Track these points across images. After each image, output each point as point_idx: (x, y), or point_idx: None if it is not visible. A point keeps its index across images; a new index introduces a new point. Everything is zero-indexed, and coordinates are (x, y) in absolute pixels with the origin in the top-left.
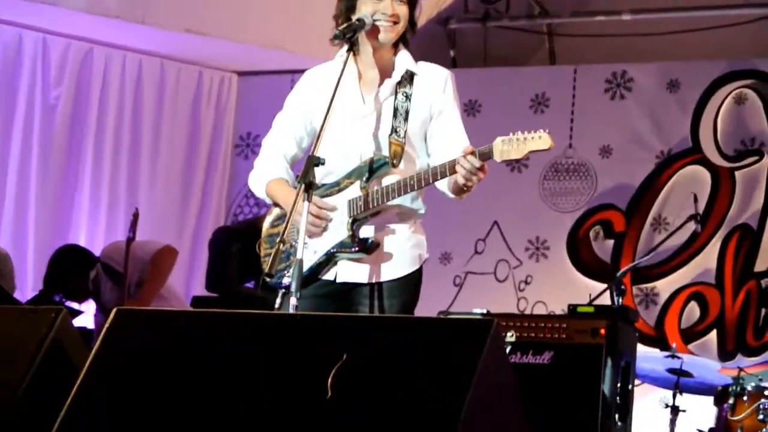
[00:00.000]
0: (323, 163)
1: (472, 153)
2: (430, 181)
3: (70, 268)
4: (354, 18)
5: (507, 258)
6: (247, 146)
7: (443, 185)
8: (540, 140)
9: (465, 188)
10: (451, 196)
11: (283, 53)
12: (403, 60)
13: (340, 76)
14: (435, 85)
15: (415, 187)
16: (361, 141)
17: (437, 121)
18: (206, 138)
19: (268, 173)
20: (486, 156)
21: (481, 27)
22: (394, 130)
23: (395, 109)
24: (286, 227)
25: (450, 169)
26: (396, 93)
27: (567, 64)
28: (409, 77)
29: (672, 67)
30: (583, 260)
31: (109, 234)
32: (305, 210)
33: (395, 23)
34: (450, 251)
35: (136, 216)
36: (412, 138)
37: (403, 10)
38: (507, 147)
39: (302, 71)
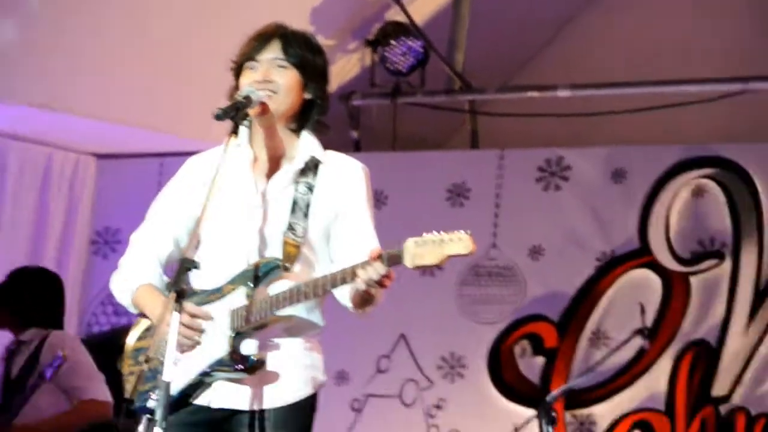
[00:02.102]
0: (197, 267)
1: (379, 257)
2: (328, 289)
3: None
4: (241, 95)
5: (416, 378)
6: (106, 243)
7: (344, 297)
8: (460, 243)
9: (368, 299)
10: (351, 308)
11: (151, 133)
12: (307, 145)
13: (221, 161)
14: (344, 179)
15: (310, 296)
16: (248, 239)
17: (344, 221)
18: (55, 232)
19: (136, 277)
20: (395, 260)
21: (389, 104)
22: (290, 227)
23: (294, 202)
24: (153, 342)
25: (351, 275)
26: (297, 183)
27: (492, 149)
28: (313, 166)
29: (617, 153)
30: (507, 381)
31: None
32: (175, 322)
33: (272, 92)
34: (347, 369)
35: None
36: (311, 238)
37: (284, 77)
38: (421, 250)
39: (174, 154)
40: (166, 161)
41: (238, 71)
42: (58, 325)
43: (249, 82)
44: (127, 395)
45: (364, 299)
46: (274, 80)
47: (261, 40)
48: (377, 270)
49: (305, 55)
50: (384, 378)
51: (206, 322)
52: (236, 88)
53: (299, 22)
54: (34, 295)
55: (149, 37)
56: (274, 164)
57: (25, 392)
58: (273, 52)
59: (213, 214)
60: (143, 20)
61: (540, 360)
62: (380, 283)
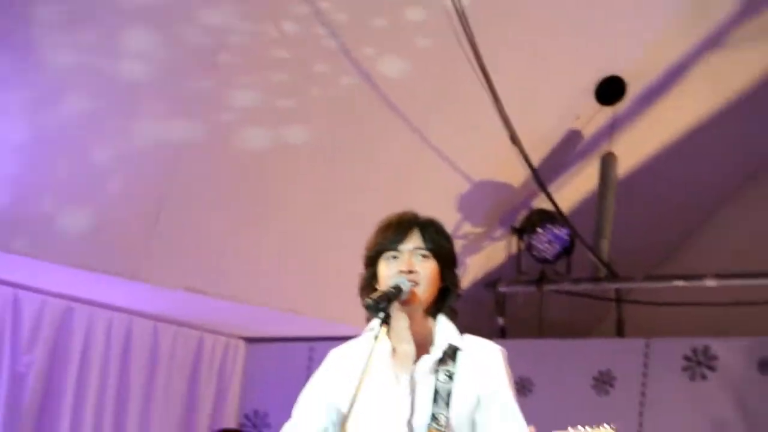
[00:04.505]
0: None
1: None
2: None
3: None
4: (390, 286)
5: None
6: (254, 426)
7: None
8: None
9: None
10: None
11: (298, 317)
12: (444, 331)
13: (371, 352)
14: (484, 364)
15: None
16: (395, 430)
17: (488, 408)
18: (205, 416)
19: None
20: None
21: (536, 291)
22: (434, 418)
23: (436, 392)
24: None
25: None
26: (437, 372)
27: (638, 337)
28: (451, 353)
29: (764, 343)
30: None
31: None
32: None
33: (416, 283)
34: None
35: None
36: (456, 427)
37: (427, 267)
38: None
39: (321, 339)
40: (316, 345)
41: (373, 259)
42: None
43: (393, 273)
44: None
45: None
46: (417, 270)
47: (400, 230)
48: None
49: (443, 243)
50: None
51: None
52: (372, 277)
53: (447, 209)
54: None
55: (299, 223)
56: (414, 354)
57: None
58: (414, 242)
59: (358, 408)
60: (290, 208)
61: None
62: None
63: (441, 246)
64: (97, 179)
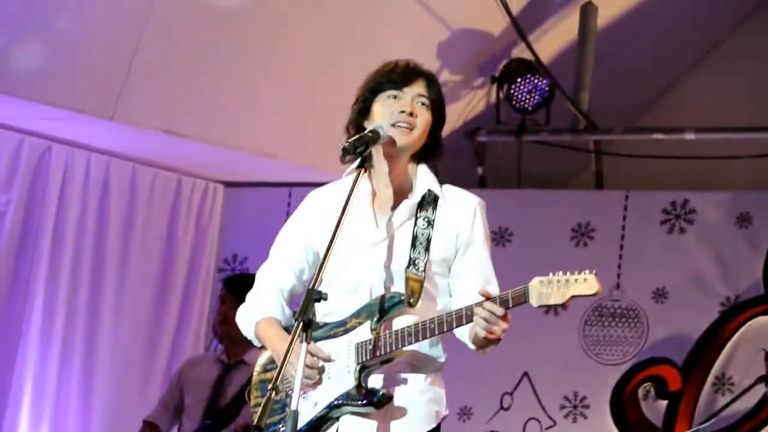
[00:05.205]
0: (325, 299)
1: (490, 298)
2: (452, 327)
3: None
4: (368, 128)
5: (538, 416)
6: (233, 271)
7: (463, 334)
8: (585, 284)
9: (486, 341)
10: (472, 347)
11: (279, 162)
12: (425, 178)
13: (350, 195)
14: (462, 214)
15: (435, 333)
16: (371, 273)
17: (463, 257)
18: (184, 259)
19: (259, 312)
20: (520, 299)
21: (515, 141)
22: (412, 262)
23: (414, 237)
24: (279, 372)
25: (471, 315)
26: (416, 217)
27: (617, 189)
28: (432, 200)
29: (743, 197)
30: (630, 423)
31: (62, 383)
32: (303, 352)
33: (410, 129)
34: (471, 405)
35: None
36: (432, 273)
37: (423, 115)
38: (546, 290)
39: (301, 184)
40: (294, 191)
41: (368, 96)
42: None
43: (391, 111)
44: (254, 425)
45: (482, 340)
46: (416, 114)
47: (407, 73)
48: (493, 311)
49: (442, 99)
50: (507, 415)
51: (332, 355)
52: (362, 113)
53: (426, 56)
54: None
55: (280, 68)
56: (394, 198)
57: (236, 418)
58: (419, 88)
59: (337, 249)
60: (273, 53)
61: (663, 403)
62: (498, 326)
63: (441, 101)
64: (73, 18)
